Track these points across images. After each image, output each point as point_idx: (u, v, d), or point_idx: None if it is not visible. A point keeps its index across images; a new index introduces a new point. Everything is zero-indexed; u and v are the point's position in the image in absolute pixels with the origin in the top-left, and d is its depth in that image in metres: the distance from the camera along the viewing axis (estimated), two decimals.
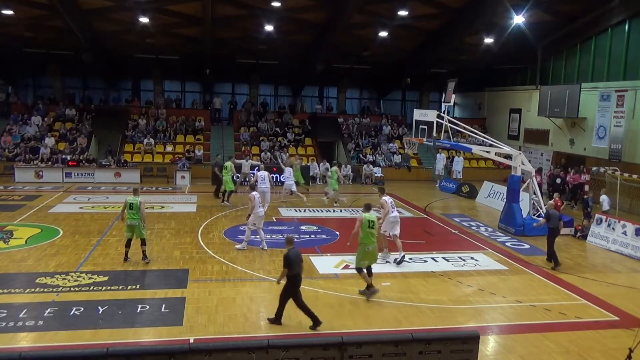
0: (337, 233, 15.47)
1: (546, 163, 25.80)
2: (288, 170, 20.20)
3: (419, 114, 18.74)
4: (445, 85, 19.01)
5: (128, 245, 12.04)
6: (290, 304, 9.91)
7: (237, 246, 13.51)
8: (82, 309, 9.33)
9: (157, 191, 21.74)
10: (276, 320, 9.07)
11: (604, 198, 16.85)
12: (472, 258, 13.43)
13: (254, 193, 13.38)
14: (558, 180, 21.31)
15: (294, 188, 20.11)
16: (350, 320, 9.30)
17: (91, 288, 10.39)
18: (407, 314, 9.67)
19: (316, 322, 8.89)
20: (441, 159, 26.33)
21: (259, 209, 13.30)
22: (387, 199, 12.98)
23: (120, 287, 10.48)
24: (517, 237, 15.82)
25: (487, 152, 17.35)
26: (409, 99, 35.39)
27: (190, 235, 14.58)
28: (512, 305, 10.37)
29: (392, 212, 12.81)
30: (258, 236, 13.58)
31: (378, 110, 33.95)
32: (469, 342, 6.54)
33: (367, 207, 10.83)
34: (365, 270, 10.43)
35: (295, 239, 9.49)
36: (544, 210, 16.51)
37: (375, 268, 12.22)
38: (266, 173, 18.14)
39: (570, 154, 24.42)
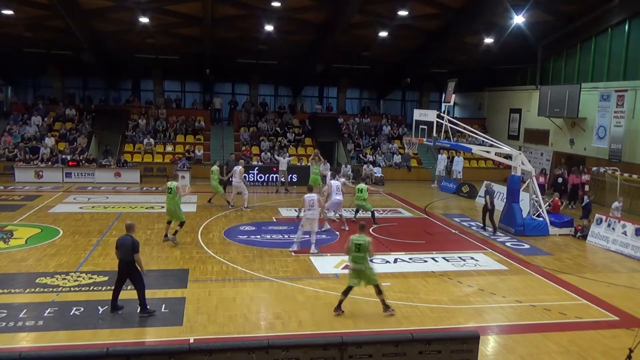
0: (337, 233, 15.46)
1: (546, 163, 25.82)
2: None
3: (419, 114, 18.74)
4: (445, 85, 19.01)
5: (347, 293, 9.52)
6: (291, 303, 9.94)
7: (291, 248, 13.36)
8: (82, 309, 9.33)
9: (157, 191, 21.72)
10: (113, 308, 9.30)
11: (616, 205, 16.65)
12: (472, 258, 13.42)
13: (306, 195, 13.29)
14: (560, 180, 21.31)
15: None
16: (350, 320, 9.29)
17: (91, 288, 10.41)
18: (407, 314, 9.66)
19: (114, 307, 9.24)
20: (442, 159, 26.31)
21: (309, 211, 13.13)
22: (333, 182, 16.01)
23: None
24: (517, 237, 15.82)
25: (487, 152, 17.34)
26: (409, 99, 35.38)
27: (190, 235, 14.57)
28: (512, 305, 10.37)
29: (337, 194, 15.58)
30: (306, 235, 13.50)
31: (378, 110, 33.97)
32: (469, 342, 6.54)
33: (175, 177, 14.70)
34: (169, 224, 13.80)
35: (132, 227, 9.54)
36: (544, 210, 16.58)
37: (376, 268, 12.27)
38: (339, 183, 16.12)
39: (570, 154, 24.42)
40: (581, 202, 19.33)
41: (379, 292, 9.49)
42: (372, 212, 16.71)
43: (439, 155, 26.61)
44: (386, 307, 9.50)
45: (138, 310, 9.13)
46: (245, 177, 22.70)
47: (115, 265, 11.74)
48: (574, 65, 25.08)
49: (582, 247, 15.21)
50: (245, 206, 18.34)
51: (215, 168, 19.05)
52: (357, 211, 17.03)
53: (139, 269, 9.12)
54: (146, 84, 32.03)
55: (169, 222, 13.93)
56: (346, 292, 9.48)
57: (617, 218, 15.42)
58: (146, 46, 26.32)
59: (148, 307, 9.16)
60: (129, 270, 9.09)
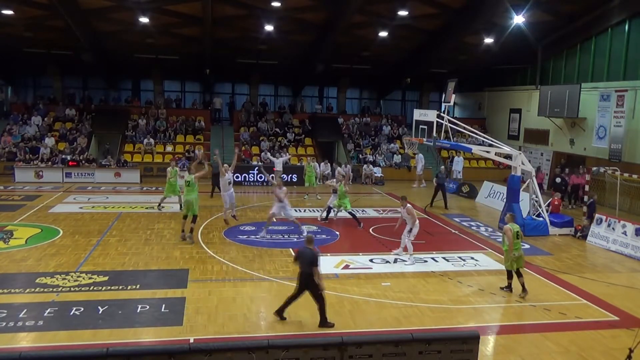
0: (337, 233, 15.47)
1: (546, 163, 25.81)
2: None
3: (419, 114, 18.74)
4: (445, 85, 19.01)
5: (511, 276, 11.08)
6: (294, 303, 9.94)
7: (406, 264, 12.76)
8: (82, 309, 9.32)
9: (157, 191, 21.69)
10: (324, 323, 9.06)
11: None
12: (472, 258, 13.42)
13: (409, 205, 13.14)
14: (558, 180, 21.31)
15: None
16: (350, 320, 9.29)
17: (91, 288, 10.39)
18: (407, 314, 9.66)
19: (281, 313, 9.14)
20: (420, 159, 25.53)
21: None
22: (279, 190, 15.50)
23: (120, 287, 10.47)
24: None
25: (487, 152, 17.34)
26: (409, 99, 35.38)
27: None
28: (512, 305, 10.37)
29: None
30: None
31: (378, 110, 33.97)
32: (469, 342, 6.54)
33: (189, 170, 14.57)
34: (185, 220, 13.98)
35: (312, 240, 9.41)
36: (544, 210, 16.59)
37: (376, 268, 12.34)
38: None
39: (570, 154, 24.42)
40: (582, 202, 19.29)
41: (520, 275, 10.78)
42: (330, 209, 17.03)
43: (417, 155, 25.71)
44: (524, 290, 10.70)
45: (318, 325, 8.99)
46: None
47: (116, 265, 11.88)
48: (574, 65, 25.06)
49: (582, 247, 15.21)
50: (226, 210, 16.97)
51: (170, 169, 17.95)
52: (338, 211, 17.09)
53: (317, 282, 8.86)
54: (146, 84, 32.02)
55: (184, 217, 13.93)
56: (511, 276, 10.94)
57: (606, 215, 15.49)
58: (146, 46, 26.31)
59: (328, 321, 8.99)
60: (307, 282, 8.94)
